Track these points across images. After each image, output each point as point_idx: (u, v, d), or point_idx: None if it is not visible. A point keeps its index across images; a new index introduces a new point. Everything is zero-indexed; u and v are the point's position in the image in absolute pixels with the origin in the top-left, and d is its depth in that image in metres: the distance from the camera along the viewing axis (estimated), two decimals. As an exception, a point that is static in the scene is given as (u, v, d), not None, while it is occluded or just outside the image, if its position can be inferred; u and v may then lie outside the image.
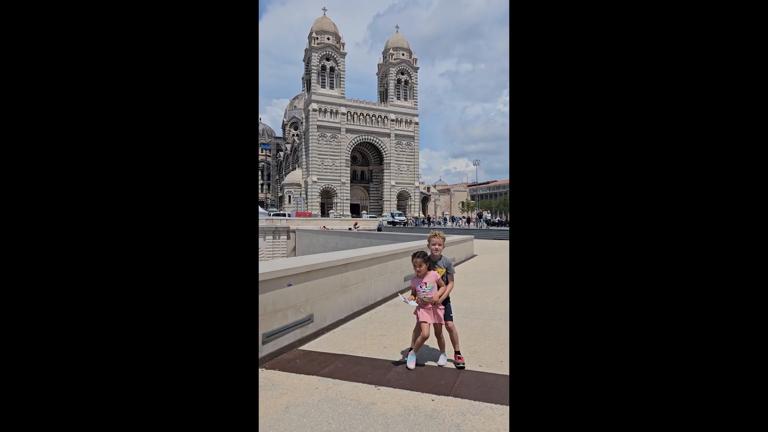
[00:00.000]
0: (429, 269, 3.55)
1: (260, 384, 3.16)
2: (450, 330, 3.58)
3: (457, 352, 3.54)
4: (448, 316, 3.59)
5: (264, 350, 3.79)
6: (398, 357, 3.68)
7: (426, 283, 3.50)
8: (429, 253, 3.68)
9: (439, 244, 3.64)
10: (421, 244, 8.96)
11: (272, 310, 3.94)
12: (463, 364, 3.46)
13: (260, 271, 3.89)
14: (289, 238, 41.35)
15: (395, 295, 6.71)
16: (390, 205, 75.08)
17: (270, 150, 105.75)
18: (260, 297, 3.80)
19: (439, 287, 3.55)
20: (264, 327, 3.82)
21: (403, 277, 7.36)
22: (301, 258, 5.38)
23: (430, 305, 3.50)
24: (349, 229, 37.41)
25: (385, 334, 4.45)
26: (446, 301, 3.60)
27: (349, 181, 73.70)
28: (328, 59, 72.99)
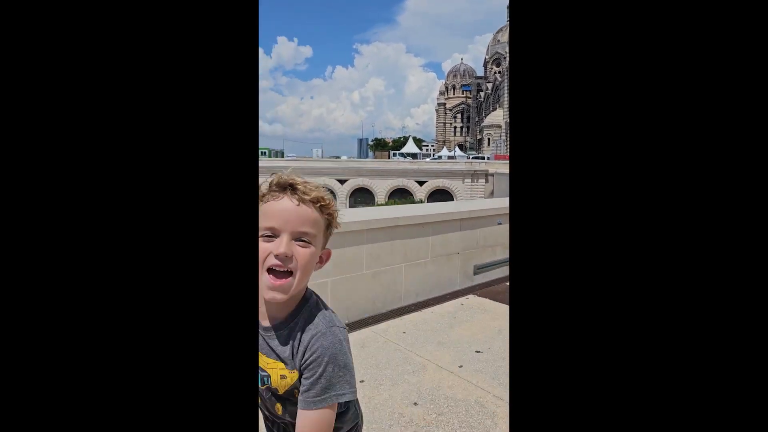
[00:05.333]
0: None
1: (474, 307, 3.58)
2: None
3: None
4: None
5: (475, 280, 4.19)
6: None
7: None
8: None
9: None
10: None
11: (483, 245, 4.25)
12: None
13: (469, 208, 4.21)
14: (487, 181, 41.38)
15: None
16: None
17: (470, 91, 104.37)
18: (473, 232, 4.14)
19: None
20: (476, 259, 4.18)
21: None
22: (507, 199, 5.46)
23: None
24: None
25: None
26: None
27: (555, 120, 66.60)
28: (538, -20, 64.51)
